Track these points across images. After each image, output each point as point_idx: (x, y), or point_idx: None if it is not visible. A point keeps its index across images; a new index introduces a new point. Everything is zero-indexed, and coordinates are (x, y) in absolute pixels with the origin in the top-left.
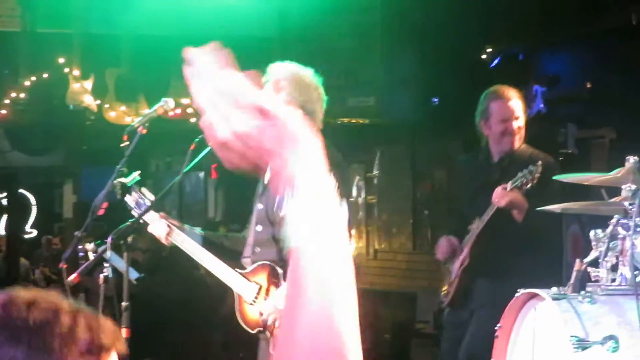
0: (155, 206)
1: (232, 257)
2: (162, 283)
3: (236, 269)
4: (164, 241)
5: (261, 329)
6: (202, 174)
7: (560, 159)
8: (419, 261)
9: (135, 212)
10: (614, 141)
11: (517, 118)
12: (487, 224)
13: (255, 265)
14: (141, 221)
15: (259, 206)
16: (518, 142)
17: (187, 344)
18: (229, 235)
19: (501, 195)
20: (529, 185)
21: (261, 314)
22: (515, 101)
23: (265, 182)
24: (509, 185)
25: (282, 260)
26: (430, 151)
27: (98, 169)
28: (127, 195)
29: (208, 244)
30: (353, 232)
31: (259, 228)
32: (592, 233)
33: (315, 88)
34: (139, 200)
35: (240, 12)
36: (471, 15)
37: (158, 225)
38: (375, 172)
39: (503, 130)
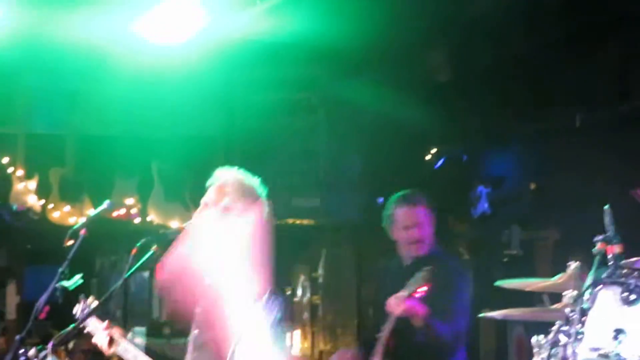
0: (99, 310)
1: None
2: None
3: None
4: (105, 351)
5: None
6: (146, 274)
7: (505, 260)
8: None
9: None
10: (559, 242)
11: (420, 225)
12: (392, 332)
13: None
14: (85, 331)
15: (197, 309)
16: (425, 248)
17: None
18: (171, 343)
19: (394, 305)
20: (422, 291)
21: None
22: (419, 208)
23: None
24: (405, 292)
25: None
26: (375, 252)
27: (42, 269)
28: (75, 306)
29: (151, 353)
30: (298, 332)
31: (196, 332)
32: (533, 339)
33: (258, 198)
34: (84, 309)
35: (186, 112)
36: (415, 116)
37: (101, 336)
38: (320, 272)
39: (406, 237)
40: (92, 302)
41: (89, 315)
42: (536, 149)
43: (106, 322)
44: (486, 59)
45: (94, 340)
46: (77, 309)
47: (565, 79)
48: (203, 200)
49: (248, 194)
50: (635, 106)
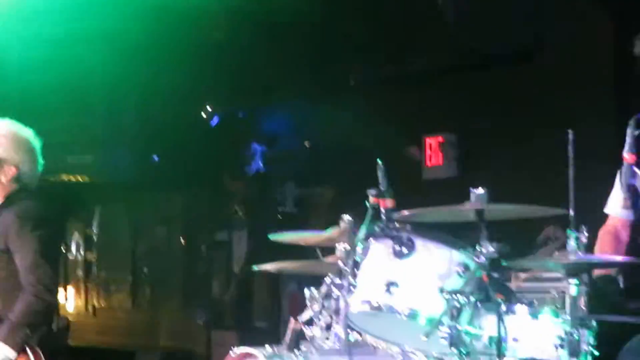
0: None
1: None
2: None
3: None
4: None
5: None
6: None
7: (280, 217)
8: (139, 319)
9: None
10: (334, 199)
11: None
12: None
13: None
14: None
15: None
16: None
17: None
18: None
19: None
20: None
21: None
22: None
23: None
24: None
25: None
26: (150, 209)
27: None
28: None
29: None
30: (72, 289)
31: None
32: (307, 292)
33: (32, 150)
34: None
35: None
36: (191, 73)
37: None
38: (95, 229)
39: None
40: None
41: None
42: (311, 107)
43: None
44: (262, 16)
45: None
46: None
47: (340, 39)
48: None
49: (22, 148)
50: (409, 66)
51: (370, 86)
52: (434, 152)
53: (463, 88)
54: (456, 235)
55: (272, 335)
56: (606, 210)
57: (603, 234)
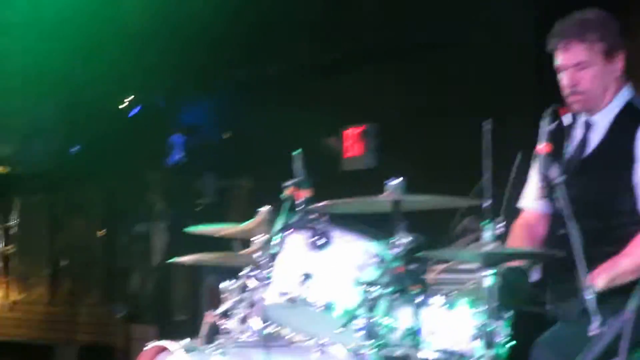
0: None
1: None
2: None
3: None
4: None
5: None
6: None
7: (199, 208)
8: (57, 312)
9: None
10: (253, 190)
11: None
12: None
13: None
14: None
15: None
16: None
17: None
18: None
19: None
20: None
21: None
22: None
23: None
24: None
25: None
26: (69, 201)
27: None
28: None
29: None
30: None
31: None
32: (222, 284)
33: None
34: None
35: None
36: (110, 63)
37: None
38: (13, 221)
39: None
40: None
41: None
42: (232, 98)
43: None
44: (175, 7)
45: None
46: None
47: (255, 29)
48: None
49: None
50: (326, 56)
51: (289, 76)
52: (353, 142)
53: (381, 78)
54: (374, 226)
55: (192, 328)
56: (520, 204)
57: (516, 226)
